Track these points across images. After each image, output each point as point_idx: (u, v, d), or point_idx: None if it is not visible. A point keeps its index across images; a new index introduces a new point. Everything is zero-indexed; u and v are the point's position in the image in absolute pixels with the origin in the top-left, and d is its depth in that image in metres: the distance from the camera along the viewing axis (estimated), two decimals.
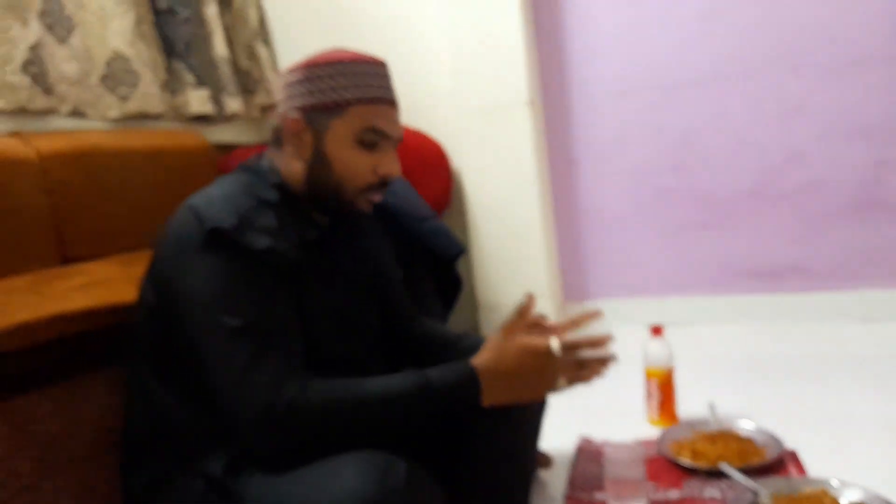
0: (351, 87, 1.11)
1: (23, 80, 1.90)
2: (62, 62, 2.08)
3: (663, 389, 1.67)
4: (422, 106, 2.71)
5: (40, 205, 1.79)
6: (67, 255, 1.83)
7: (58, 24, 2.07)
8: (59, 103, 2.05)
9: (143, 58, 2.29)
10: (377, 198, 1.17)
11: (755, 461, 1.42)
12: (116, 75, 2.23)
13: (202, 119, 2.57)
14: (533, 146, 2.58)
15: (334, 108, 1.11)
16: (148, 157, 2.12)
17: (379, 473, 0.92)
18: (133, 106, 2.27)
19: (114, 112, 2.22)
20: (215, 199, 1.07)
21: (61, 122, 2.05)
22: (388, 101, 1.14)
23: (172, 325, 1.06)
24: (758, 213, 2.53)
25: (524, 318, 1.13)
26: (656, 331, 1.69)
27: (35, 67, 1.93)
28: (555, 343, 1.06)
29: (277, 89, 1.16)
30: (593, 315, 1.18)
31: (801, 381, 1.92)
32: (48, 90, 1.99)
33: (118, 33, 2.22)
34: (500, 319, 2.71)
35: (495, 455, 1.23)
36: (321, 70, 1.11)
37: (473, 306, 2.73)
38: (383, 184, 1.16)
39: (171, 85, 2.45)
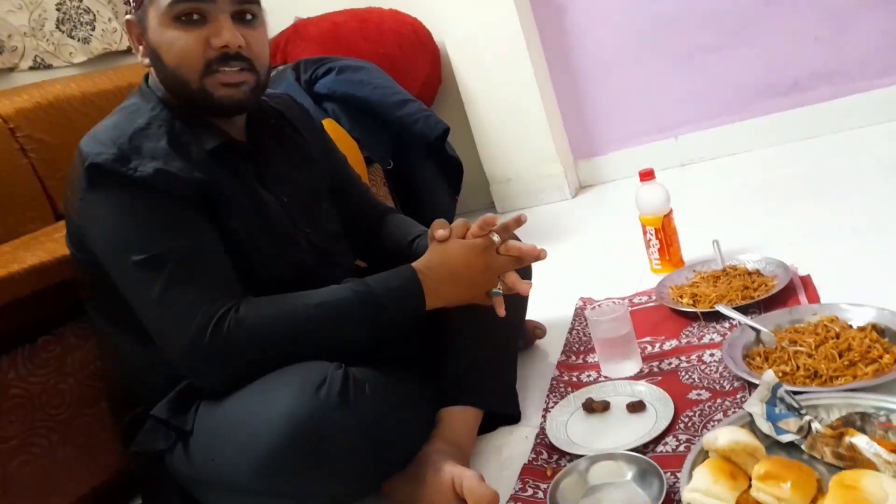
0: None
1: None
2: (9, 15, 1.96)
3: (660, 236, 1.51)
4: None
5: (20, 166, 1.73)
6: (60, 211, 1.78)
7: None
8: (18, 59, 1.95)
9: None
10: (234, 78, 0.96)
11: (760, 295, 1.27)
12: (71, 17, 2.09)
13: None
14: (514, 1, 2.30)
15: None
16: (119, 96, 1.99)
17: (311, 389, 0.84)
18: (97, 46, 2.14)
19: (79, 56, 2.10)
20: (98, 132, 0.95)
21: (26, 77, 1.96)
22: None
23: (103, 274, 0.98)
24: (773, 19, 2.19)
25: (462, 224, 1.05)
26: (645, 176, 1.51)
27: None
28: (495, 236, 1.02)
29: None
30: (520, 221, 1.05)
31: (826, 200, 1.70)
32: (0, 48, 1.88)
33: None
34: (513, 192, 2.56)
35: (472, 339, 1.13)
36: None
37: (484, 183, 2.58)
38: (226, 58, 0.95)
39: None
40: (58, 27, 2.06)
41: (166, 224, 0.92)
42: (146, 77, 1.04)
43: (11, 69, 1.94)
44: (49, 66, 2.04)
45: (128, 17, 0.98)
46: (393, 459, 0.93)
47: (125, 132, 0.94)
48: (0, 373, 1.10)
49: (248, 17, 0.98)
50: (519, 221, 1.05)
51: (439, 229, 1.02)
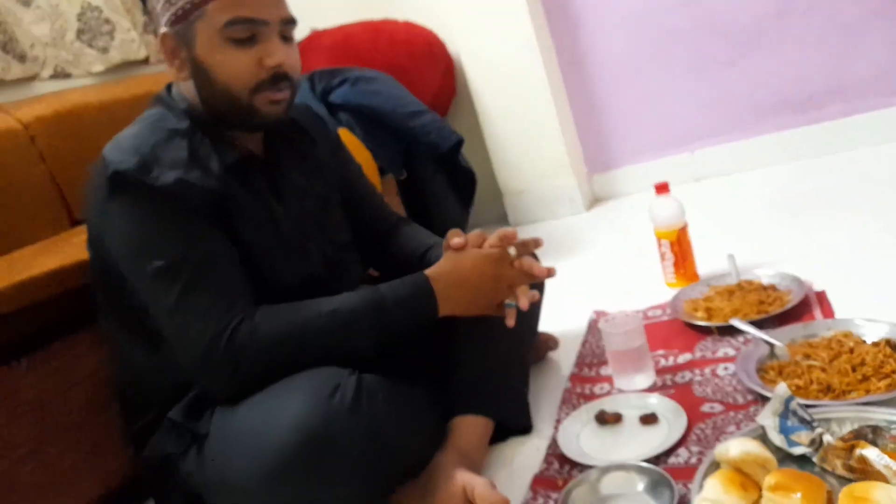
0: None
1: None
2: (32, 25, 2.02)
3: (675, 249, 1.52)
4: None
5: (38, 173, 1.77)
6: (76, 217, 1.82)
7: None
8: (39, 68, 2.01)
9: (114, 4, 2.19)
10: (279, 95, 1.02)
11: (775, 310, 1.28)
12: (91, 28, 2.15)
13: None
14: (528, 11, 2.34)
15: (193, 12, 0.97)
16: (137, 105, 2.01)
17: (324, 396, 0.87)
18: (115, 56, 2.20)
19: (97, 66, 2.16)
20: (120, 140, 0.99)
21: (46, 87, 2.02)
22: None
23: (119, 280, 1.01)
24: (787, 33, 2.21)
25: (478, 236, 1.09)
26: (660, 189, 1.53)
27: (1, 36, 1.88)
28: (512, 249, 1.05)
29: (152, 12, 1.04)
30: (538, 243, 1.10)
31: (842, 216, 1.72)
32: (22, 57, 1.94)
33: None
34: (526, 204, 2.59)
35: (484, 349, 1.15)
36: None
37: (497, 195, 2.61)
38: (277, 78, 1.00)
39: (152, 26, 2.36)
40: (78, 37, 2.12)
41: (184, 232, 0.96)
42: (168, 87, 1.08)
43: (32, 78, 2.00)
44: (69, 76, 2.10)
45: (163, 30, 1.00)
46: (402, 467, 0.95)
47: (147, 141, 0.97)
48: (13, 378, 1.14)
49: (289, 36, 1.04)
50: (537, 243, 1.09)
51: (455, 238, 1.05)
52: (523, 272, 1.05)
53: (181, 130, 1.01)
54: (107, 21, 2.17)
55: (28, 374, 1.14)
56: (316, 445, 0.84)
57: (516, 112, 2.46)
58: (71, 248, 1.31)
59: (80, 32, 2.13)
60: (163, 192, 0.94)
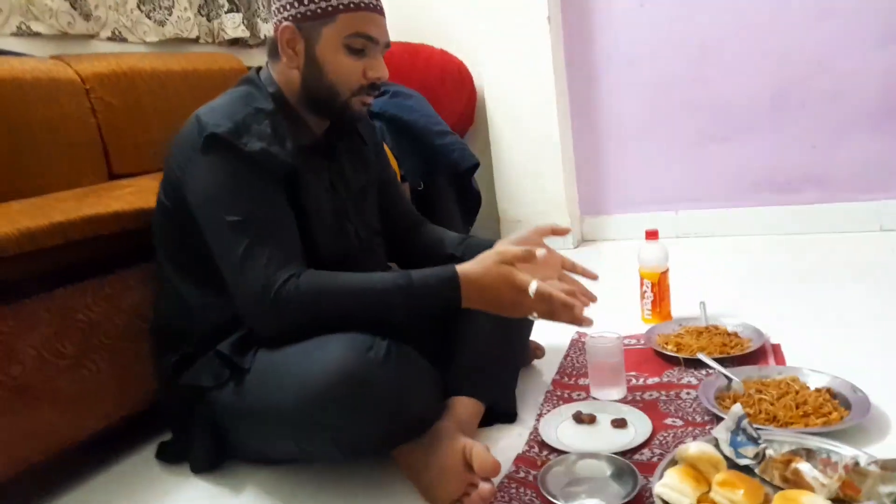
0: None
1: (62, 5, 1.98)
2: None
3: (655, 290, 1.70)
4: (445, 25, 2.69)
5: (88, 124, 1.88)
6: (114, 171, 1.94)
7: None
8: (99, 28, 2.13)
9: None
10: (369, 100, 1.22)
11: (735, 352, 1.45)
12: (153, 0, 2.28)
13: (237, 43, 2.61)
14: (552, 62, 2.54)
15: (324, 16, 1.13)
16: (186, 79, 2.18)
17: (362, 349, 1.01)
18: (169, 30, 2.33)
19: (151, 36, 2.28)
20: (216, 107, 1.13)
21: (101, 47, 2.13)
22: (374, 7, 1.17)
23: (185, 223, 1.15)
24: (777, 123, 2.46)
25: (525, 254, 1.09)
26: (650, 235, 1.71)
27: None
28: (532, 286, 1.04)
29: (270, 2, 1.19)
30: (563, 231, 1.31)
31: (806, 288, 1.92)
32: (87, 16, 2.06)
33: None
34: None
35: (484, 343, 1.29)
36: None
37: (495, 220, 2.78)
38: (373, 87, 1.21)
39: (206, 9, 2.50)
40: (139, 6, 2.25)
41: (260, 194, 1.10)
42: (257, 70, 1.23)
43: (92, 36, 2.11)
44: (124, 40, 2.22)
45: (287, 24, 1.15)
46: (416, 421, 1.09)
47: (239, 112, 1.12)
48: (72, 298, 1.25)
49: (384, 55, 1.23)
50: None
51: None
52: (544, 307, 1.06)
53: (265, 110, 1.15)
54: None
55: (84, 297, 1.26)
56: (351, 385, 0.98)
57: (525, 150, 2.65)
58: (130, 196, 1.43)
59: (140, 2, 2.25)
60: (249, 156, 1.08)
